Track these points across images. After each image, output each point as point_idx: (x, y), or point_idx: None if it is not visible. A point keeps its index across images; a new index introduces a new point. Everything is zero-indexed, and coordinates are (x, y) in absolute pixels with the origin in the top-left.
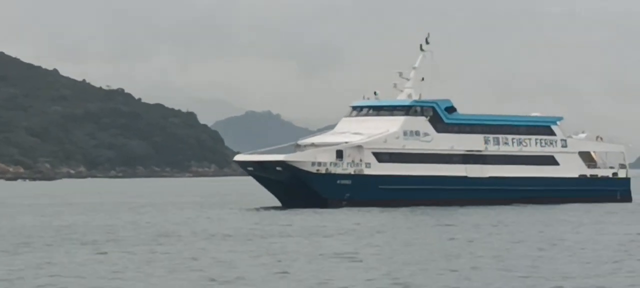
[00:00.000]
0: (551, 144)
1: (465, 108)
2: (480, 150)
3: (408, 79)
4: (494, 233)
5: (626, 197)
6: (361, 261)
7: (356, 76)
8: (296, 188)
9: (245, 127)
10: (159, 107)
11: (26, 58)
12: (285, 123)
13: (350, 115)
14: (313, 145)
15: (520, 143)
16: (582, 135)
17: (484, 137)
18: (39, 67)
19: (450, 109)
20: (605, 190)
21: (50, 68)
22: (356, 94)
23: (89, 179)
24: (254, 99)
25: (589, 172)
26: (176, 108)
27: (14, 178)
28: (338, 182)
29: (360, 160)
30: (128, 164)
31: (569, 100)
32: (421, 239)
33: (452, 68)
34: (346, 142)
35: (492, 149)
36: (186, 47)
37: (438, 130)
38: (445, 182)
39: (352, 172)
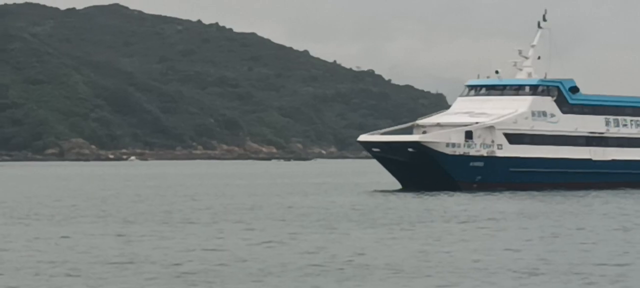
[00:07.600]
0: None
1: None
2: (603, 132)
3: (527, 57)
4: None
5: None
6: None
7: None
8: (425, 170)
9: None
10: (408, 88)
11: (278, 39)
12: None
13: (467, 95)
14: (438, 125)
15: (638, 125)
16: None
17: (605, 118)
18: (291, 48)
19: (574, 89)
20: None
21: (301, 49)
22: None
23: (341, 160)
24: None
25: None
26: (425, 89)
27: (268, 158)
28: (470, 164)
29: (492, 142)
30: None
31: None
32: None
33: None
34: (476, 122)
35: (613, 131)
36: (431, 26)
37: (563, 111)
38: (572, 164)
39: (485, 154)
